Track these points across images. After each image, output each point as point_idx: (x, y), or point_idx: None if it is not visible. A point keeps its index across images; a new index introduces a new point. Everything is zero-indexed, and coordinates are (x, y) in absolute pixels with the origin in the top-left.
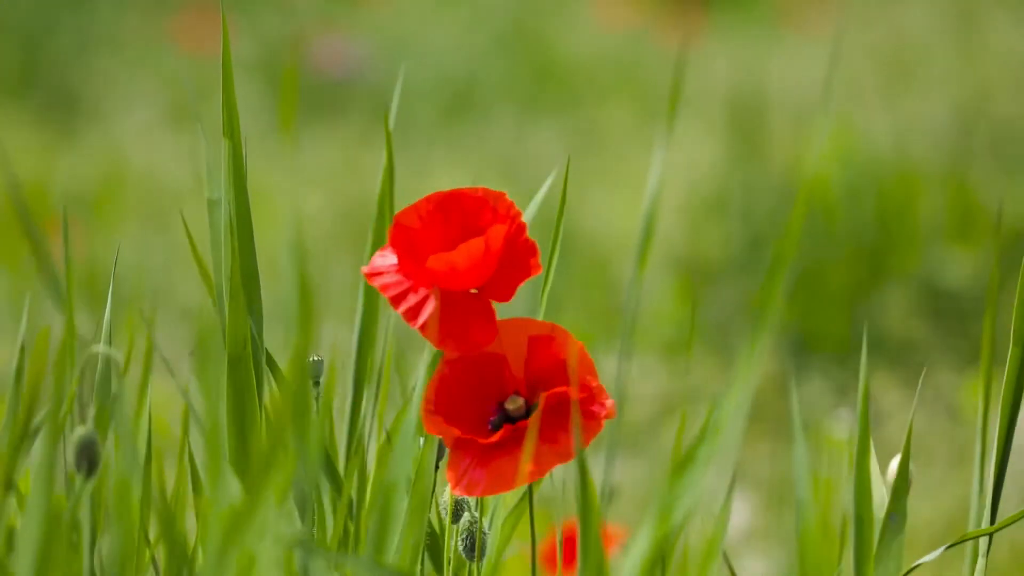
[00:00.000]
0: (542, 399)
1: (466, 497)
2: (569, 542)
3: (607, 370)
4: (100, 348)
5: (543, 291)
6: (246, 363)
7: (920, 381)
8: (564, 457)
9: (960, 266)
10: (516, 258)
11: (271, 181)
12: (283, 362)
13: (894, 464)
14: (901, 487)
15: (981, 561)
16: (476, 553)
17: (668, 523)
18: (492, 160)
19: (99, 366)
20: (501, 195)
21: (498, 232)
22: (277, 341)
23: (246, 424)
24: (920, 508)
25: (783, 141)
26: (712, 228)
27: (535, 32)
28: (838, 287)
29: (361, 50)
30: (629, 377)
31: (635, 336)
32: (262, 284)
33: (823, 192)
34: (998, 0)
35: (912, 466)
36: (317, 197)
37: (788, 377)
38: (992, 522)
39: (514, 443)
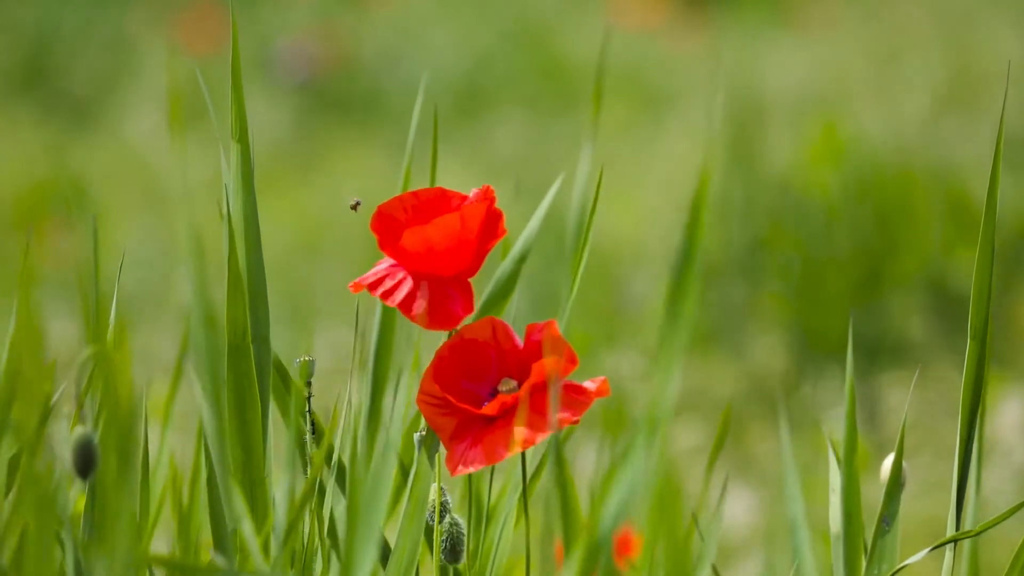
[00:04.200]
0: (534, 371)
1: (448, 498)
2: None
3: (608, 371)
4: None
5: (569, 297)
6: (245, 353)
7: (913, 379)
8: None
9: (961, 265)
10: (489, 231)
11: (274, 180)
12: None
13: (887, 464)
14: (893, 488)
15: (948, 556)
16: (458, 557)
17: (595, 533)
18: (495, 160)
19: (91, 366)
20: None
21: (475, 210)
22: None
23: (246, 414)
24: (923, 507)
25: (783, 141)
26: (713, 228)
27: (543, 33)
28: (839, 287)
29: (344, 51)
30: (632, 377)
31: (635, 336)
32: (271, 279)
33: (822, 192)
34: (995, 0)
35: (906, 465)
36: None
37: (793, 375)
38: (958, 514)
39: (507, 420)
